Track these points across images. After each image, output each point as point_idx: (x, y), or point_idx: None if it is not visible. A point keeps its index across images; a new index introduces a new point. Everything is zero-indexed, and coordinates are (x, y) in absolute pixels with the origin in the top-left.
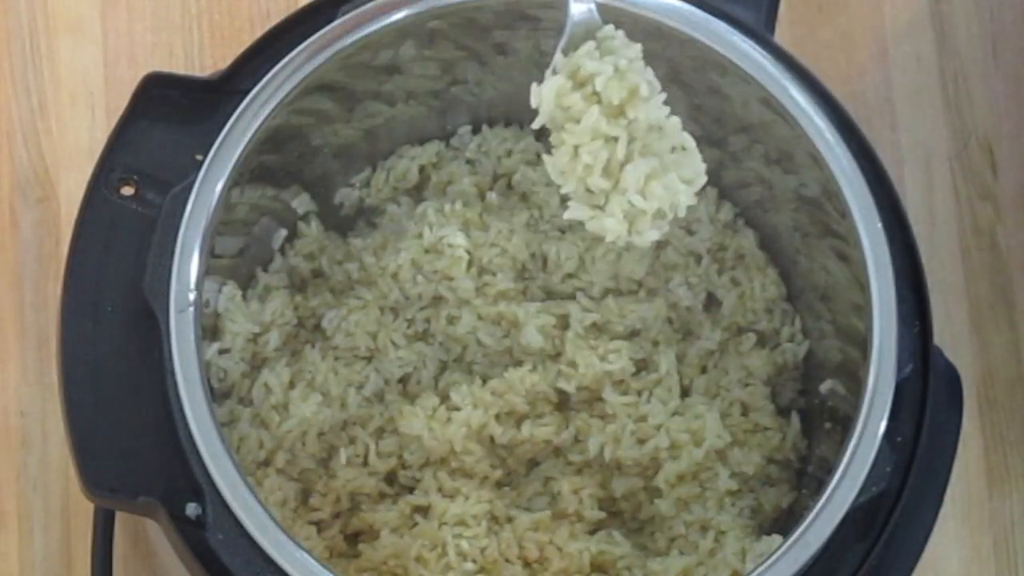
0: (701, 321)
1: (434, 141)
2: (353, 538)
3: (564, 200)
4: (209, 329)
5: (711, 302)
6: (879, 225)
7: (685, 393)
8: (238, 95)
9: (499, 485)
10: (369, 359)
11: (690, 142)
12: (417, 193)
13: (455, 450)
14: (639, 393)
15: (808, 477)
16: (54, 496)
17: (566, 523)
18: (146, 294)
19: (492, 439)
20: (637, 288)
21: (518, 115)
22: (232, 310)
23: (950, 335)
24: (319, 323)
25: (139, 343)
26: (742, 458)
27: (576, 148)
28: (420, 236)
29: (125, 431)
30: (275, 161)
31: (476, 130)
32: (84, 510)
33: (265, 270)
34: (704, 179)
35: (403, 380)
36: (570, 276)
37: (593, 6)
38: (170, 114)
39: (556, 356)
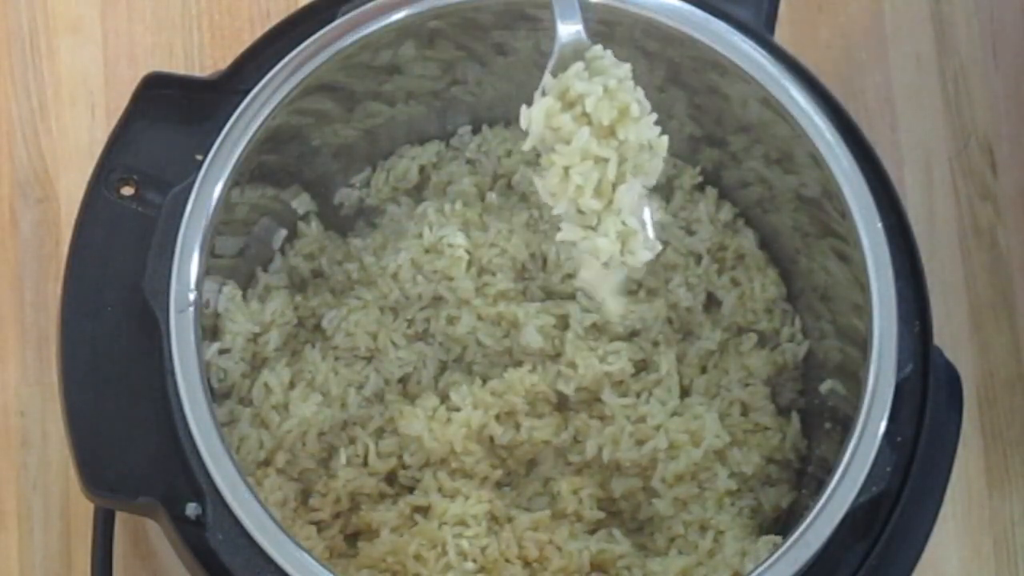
0: (701, 321)
1: (434, 141)
2: (353, 538)
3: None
4: (209, 329)
5: (711, 302)
6: (879, 225)
7: (685, 393)
8: (238, 95)
9: (499, 485)
10: (369, 359)
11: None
12: (417, 193)
13: (455, 450)
14: (638, 395)
15: (808, 477)
16: (54, 496)
17: (566, 523)
18: (146, 294)
19: (492, 439)
20: (637, 288)
21: (518, 115)
22: (232, 310)
23: (950, 335)
24: (319, 323)
25: (139, 343)
26: (741, 458)
27: (567, 169)
28: (420, 236)
29: (125, 431)
30: (275, 161)
31: (476, 130)
32: (84, 510)
33: (265, 270)
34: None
35: (403, 380)
36: (570, 276)
37: (581, 27)
38: (170, 114)
39: (556, 357)
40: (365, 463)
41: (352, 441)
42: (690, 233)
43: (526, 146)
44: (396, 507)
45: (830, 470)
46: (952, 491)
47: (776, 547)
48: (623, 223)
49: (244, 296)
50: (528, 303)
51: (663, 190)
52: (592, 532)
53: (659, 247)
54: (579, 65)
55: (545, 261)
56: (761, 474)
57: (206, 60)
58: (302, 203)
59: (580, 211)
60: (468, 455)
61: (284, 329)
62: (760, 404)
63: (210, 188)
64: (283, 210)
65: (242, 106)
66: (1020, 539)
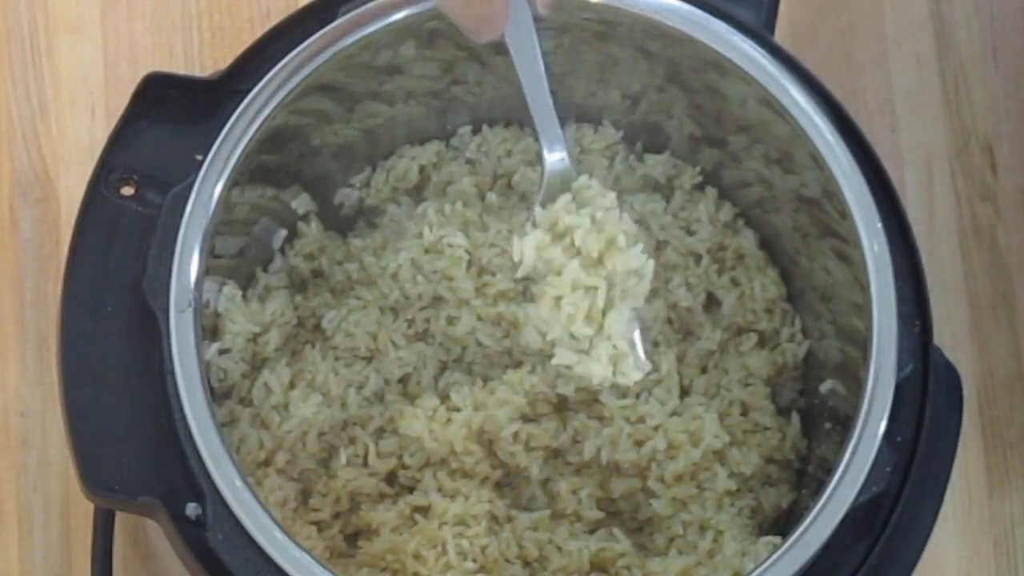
0: (701, 321)
1: (434, 141)
2: (353, 538)
3: None
4: (209, 329)
5: (711, 302)
6: (879, 225)
7: (685, 393)
8: (238, 95)
9: (499, 485)
10: (369, 359)
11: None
12: (417, 193)
13: (455, 451)
14: (637, 395)
15: (808, 477)
16: (54, 496)
17: (565, 523)
18: (146, 294)
19: (492, 440)
20: None
21: (518, 115)
22: (232, 310)
23: (950, 335)
24: (319, 323)
25: (139, 343)
26: (741, 458)
27: (558, 299)
28: (420, 236)
29: (125, 431)
30: (275, 161)
31: (476, 130)
32: (84, 510)
33: (265, 270)
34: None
35: (403, 380)
36: None
37: (566, 156)
38: (170, 114)
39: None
40: (365, 463)
41: (352, 441)
42: (690, 233)
43: (518, 275)
44: (396, 507)
45: (830, 470)
46: (952, 491)
47: (776, 547)
48: (614, 347)
49: (244, 296)
50: (528, 303)
51: (663, 190)
52: (592, 532)
53: (649, 366)
54: (567, 197)
55: None
56: (761, 474)
57: (206, 60)
58: (302, 203)
59: (573, 336)
60: (468, 455)
61: (284, 329)
62: (760, 404)
63: (210, 188)
64: (283, 210)
65: (242, 106)
66: (1020, 539)
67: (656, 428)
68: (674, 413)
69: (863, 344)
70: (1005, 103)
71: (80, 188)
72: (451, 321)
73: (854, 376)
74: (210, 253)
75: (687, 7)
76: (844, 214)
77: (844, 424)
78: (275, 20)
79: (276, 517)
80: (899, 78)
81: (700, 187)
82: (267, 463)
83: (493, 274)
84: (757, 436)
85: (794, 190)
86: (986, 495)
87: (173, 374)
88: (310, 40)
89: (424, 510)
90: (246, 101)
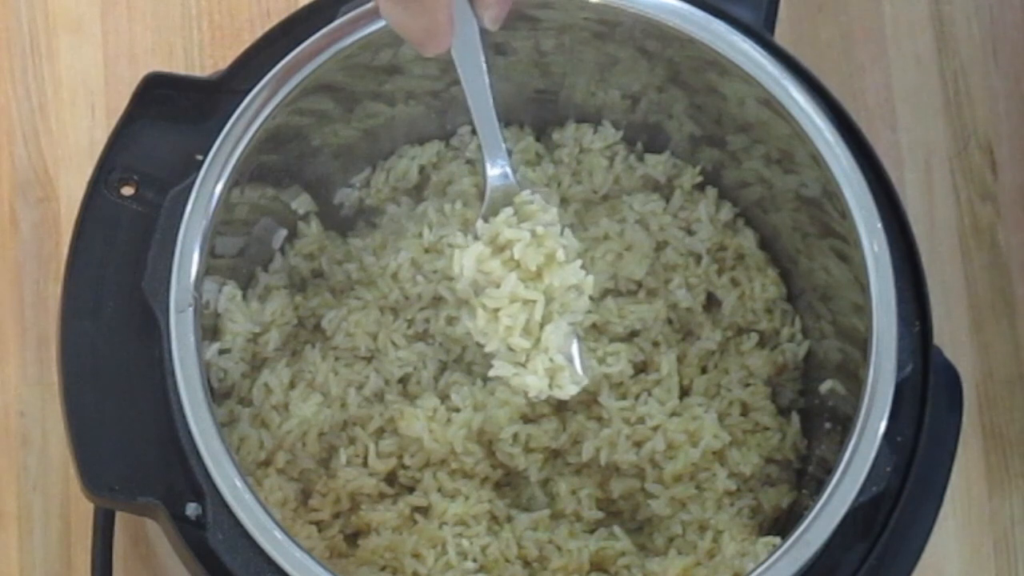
0: (701, 321)
1: (434, 141)
2: (353, 538)
3: None
4: (209, 329)
5: (711, 302)
6: (879, 225)
7: (685, 393)
8: (238, 95)
9: (498, 485)
10: (369, 359)
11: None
12: (417, 193)
13: (455, 451)
14: (636, 396)
15: (808, 477)
16: (54, 496)
17: (565, 523)
18: (146, 294)
19: (491, 441)
20: (637, 289)
21: (517, 115)
22: (232, 310)
23: (950, 335)
24: (319, 323)
25: (139, 343)
26: (740, 458)
27: (496, 311)
28: (420, 236)
29: (125, 431)
30: (275, 161)
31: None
32: (84, 510)
33: (265, 270)
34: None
35: (403, 380)
36: None
37: (508, 170)
38: (170, 114)
39: None
40: (365, 463)
41: (352, 441)
42: (690, 233)
43: (458, 287)
44: (396, 507)
45: (830, 470)
46: (952, 491)
47: (776, 547)
48: (551, 360)
49: (244, 296)
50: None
51: (663, 190)
52: (591, 532)
53: (586, 380)
54: (508, 211)
55: None
56: (761, 474)
57: (206, 60)
58: (302, 203)
59: (510, 349)
60: (468, 455)
61: (284, 329)
62: (760, 404)
63: (210, 188)
64: (283, 210)
65: (242, 106)
66: (1020, 539)
67: (655, 428)
68: (673, 413)
69: (863, 344)
70: (1005, 103)
71: (80, 188)
72: (451, 321)
73: (854, 376)
74: (210, 253)
75: (687, 7)
76: (844, 214)
77: (844, 424)
78: (275, 20)
79: (276, 517)
80: (899, 78)
81: (700, 187)
82: (267, 463)
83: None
84: (757, 436)
85: (794, 190)
86: (986, 495)
87: (173, 374)
88: (310, 40)
89: (424, 510)
90: (246, 101)
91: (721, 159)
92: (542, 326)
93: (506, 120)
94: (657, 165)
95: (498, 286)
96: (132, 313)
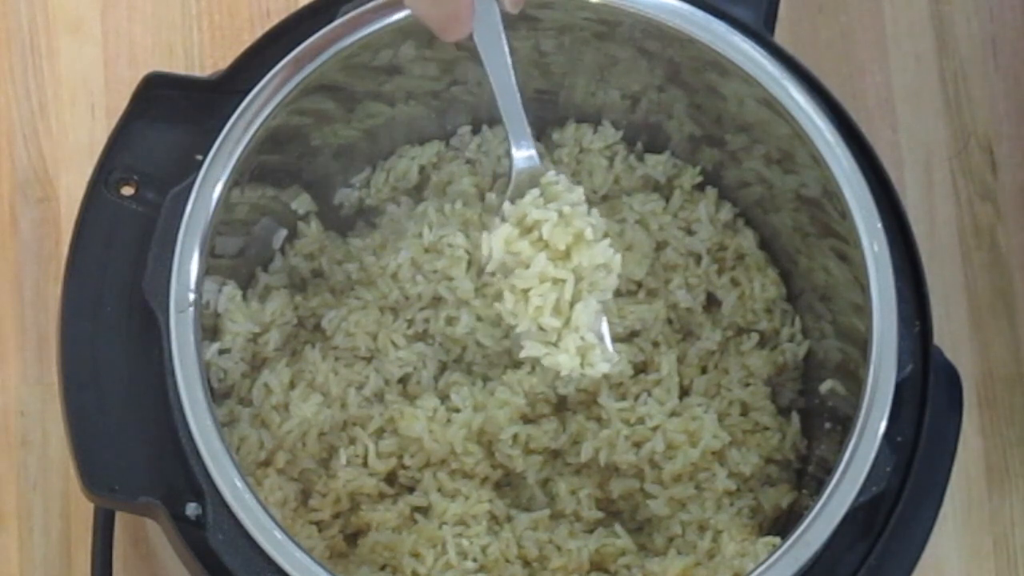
0: (701, 321)
1: (434, 141)
2: (353, 538)
3: None
4: (209, 329)
5: (711, 302)
6: (879, 225)
7: (685, 393)
8: (238, 95)
9: (498, 485)
10: (369, 359)
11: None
12: (417, 193)
13: (455, 451)
14: (636, 396)
15: (808, 477)
16: (54, 496)
17: (565, 523)
18: (146, 294)
19: (491, 441)
20: (637, 289)
21: None
22: (232, 310)
23: (950, 335)
24: (319, 323)
25: (139, 343)
26: (740, 458)
27: (526, 292)
28: (420, 236)
29: (125, 431)
30: (275, 161)
31: (476, 130)
32: (84, 510)
33: (265, 270)
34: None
35: (403, 380)
36: None
37: (535, 153)
38: (170, 114)
39: None
40: (365, 463)
41: (352, 441)
42: (690, 233)
43: (487, 269)
44: (396, 507)
45: (830, 470)
46: (952, 491)
47: (776, 547)
48: (582, 338)
49: (244, 296)
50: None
51: (663, 190)
52: (591, 532)
53: (616, 358)
54: (535, 192)
55: None
56: (761, 474)
57: (206, 60)
58: (302, 203)
59: (541, 328)
60: (468, 456)
61: (284, 329)
62: (760, 404)
63: (210, 188)
64: (283, 210)
65: (242, 106)
66: (1020, 539)
67: (655, 429)
68: (673, 413)
69: (863, 344)
70: (1005, 103)
71: (80, 188)
72: (451, 321)
73: (854, 376)
74: (210, 253)
75: (687, 7)
76: (844, 214)
77: (844, 424)
78: (275, 20)
79: (276, 517)
80: (899, 78)
81: (700, 187)
82: (267, 463)
83: (493, 274)
84: (757, 436)
85: (794, 190)
86: (986, 495)
87: (173, 374)
88: (310, 40)
89: (424, 510)
90: (246, 101)
91: (721, 159)
92: (572, 305)
93: None
94: (657, 165)
95: (527, 266)
96: (132, 313)
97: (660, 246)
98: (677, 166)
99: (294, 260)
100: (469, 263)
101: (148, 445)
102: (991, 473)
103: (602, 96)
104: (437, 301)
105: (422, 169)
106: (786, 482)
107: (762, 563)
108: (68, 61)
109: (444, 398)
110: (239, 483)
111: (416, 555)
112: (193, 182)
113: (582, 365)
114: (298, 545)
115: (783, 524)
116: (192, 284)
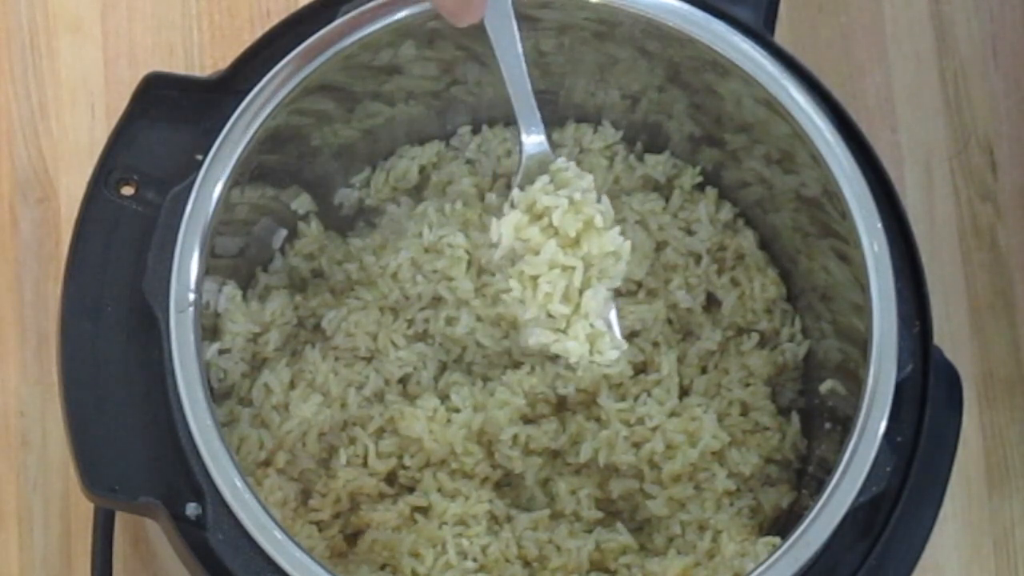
0: (701, 322)
1: (434, 141)
2: (353, 538)
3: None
4: (209, 329)
5: (711, 302)
6: (879, 225)
7: (685, 393)
8: (238, 95)
9: (498, 485)
10: (369, 359)
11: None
12: (417, 193)
13: (455, 451)
14: (636, 397)
15: (808, 477)
16: (54, 496)
17: (564, 522)
18: (146, 294)
19: (491, 441)
20: (637, 289)
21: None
22: (232, 310)
23: (950, 335)
24: (319, 323)
25: (139, 343)
26: (740, 458)
27: (535, 279)
28: (420, 236)
29: (125, 431)
30: (275, 161)
31: (476, 130)
32: (84, 510)
33: (265, 270)
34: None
35: (403, 380)
36: None
37: (544, 139)
38: (170, 114)
39: (555, 358)
40: (365, 463)
41: (352, 441)
42: (690, 233)
43: (496, 256)
44: (396, 507)
45: (830, 470)
46: (952, 491)
47: (776, 547)
48: (591, 326)
49: (244, 296)
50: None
51: (663, 190)
52: (591, 532)
53: (625, 346)
54: (544, 178)
55: None
56: (760, 474)
57: (206, 60)
58: (302, 203)
59: (550, 315)
60: (468, 456)
61: (284, 329)
62: (760, 404)
63: (210, 188)
64: (283, 210)
65: (242, 106)
66: (1020, 539)
67: (654, 429)
68: (673, 414)
69: (863, 344)
70: (1005, 103)
71: (80, 188)
72: (451, 321)
73: (854, 376)
74: (210, 253)
75: (687, 7)
76: (844, 214)
77: (844, 424)
78: (275, 20)
79: (276, 517)
80: (899, 78)
81: (700, 187)
82: (267, 463)
83: (493, 274)
84: (757, 436)
85: (794, 190)
86: (986, 495)
87: (173, 374)
88: (310, 40)
89: (424, 510)
90: (246, 101)
91: (721, 159)
92: (581, 292)
93: (506, 120)
94: (657, 165)
95: (537, 253)
96: (132, 313)
97: (660, 246)
98: (677, 166)
99: (294, 260)
100: (469, 263)
101: (148, 445)
102: (991, 473)
103: (602, 96)
104: (437, 301)
105: (422, 169)
106: (786, 482)
107: (762, 563)
108: (68, 61)
109: (444, 398)
110: (239, 483)
111: (416, 555)
112: (193, 182)
113: (591, 352)
114: (298, 545)
115: (783, 524)
116: (192, 284)
